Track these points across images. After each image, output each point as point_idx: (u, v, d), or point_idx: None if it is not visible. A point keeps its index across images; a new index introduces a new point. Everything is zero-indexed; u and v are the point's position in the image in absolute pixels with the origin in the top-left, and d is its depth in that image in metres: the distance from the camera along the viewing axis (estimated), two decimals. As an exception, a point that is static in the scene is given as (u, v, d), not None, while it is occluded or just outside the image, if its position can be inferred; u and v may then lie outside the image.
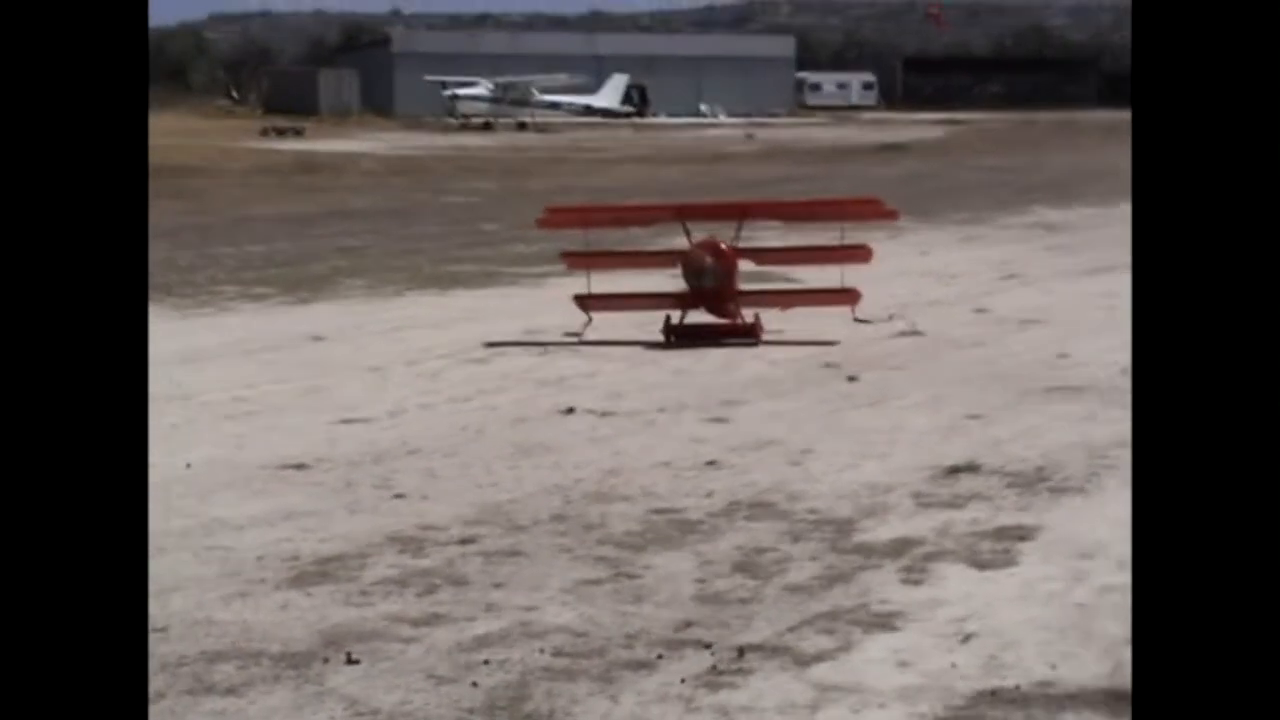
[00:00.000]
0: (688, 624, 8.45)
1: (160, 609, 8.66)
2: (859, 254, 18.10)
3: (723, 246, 17.92)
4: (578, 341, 17.50)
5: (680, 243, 18.49)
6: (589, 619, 8.54)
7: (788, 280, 20.68)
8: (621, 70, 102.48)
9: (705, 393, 14.92)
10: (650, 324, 17.68)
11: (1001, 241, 29.76)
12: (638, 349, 17.17)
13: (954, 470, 11.79)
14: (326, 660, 7.93)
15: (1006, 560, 9.57)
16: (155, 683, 7.62)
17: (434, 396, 14.79)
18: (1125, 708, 7.22)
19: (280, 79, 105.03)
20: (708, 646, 8.09)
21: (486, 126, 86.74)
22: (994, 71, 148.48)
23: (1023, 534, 10.09)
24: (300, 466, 12.00)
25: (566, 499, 11.03)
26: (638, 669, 7.82)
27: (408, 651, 8.06)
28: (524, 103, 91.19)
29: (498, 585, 9.13)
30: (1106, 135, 77.83)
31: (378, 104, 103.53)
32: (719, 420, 13.68)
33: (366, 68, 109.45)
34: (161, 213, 29.65)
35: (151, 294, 16.79)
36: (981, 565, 9.48)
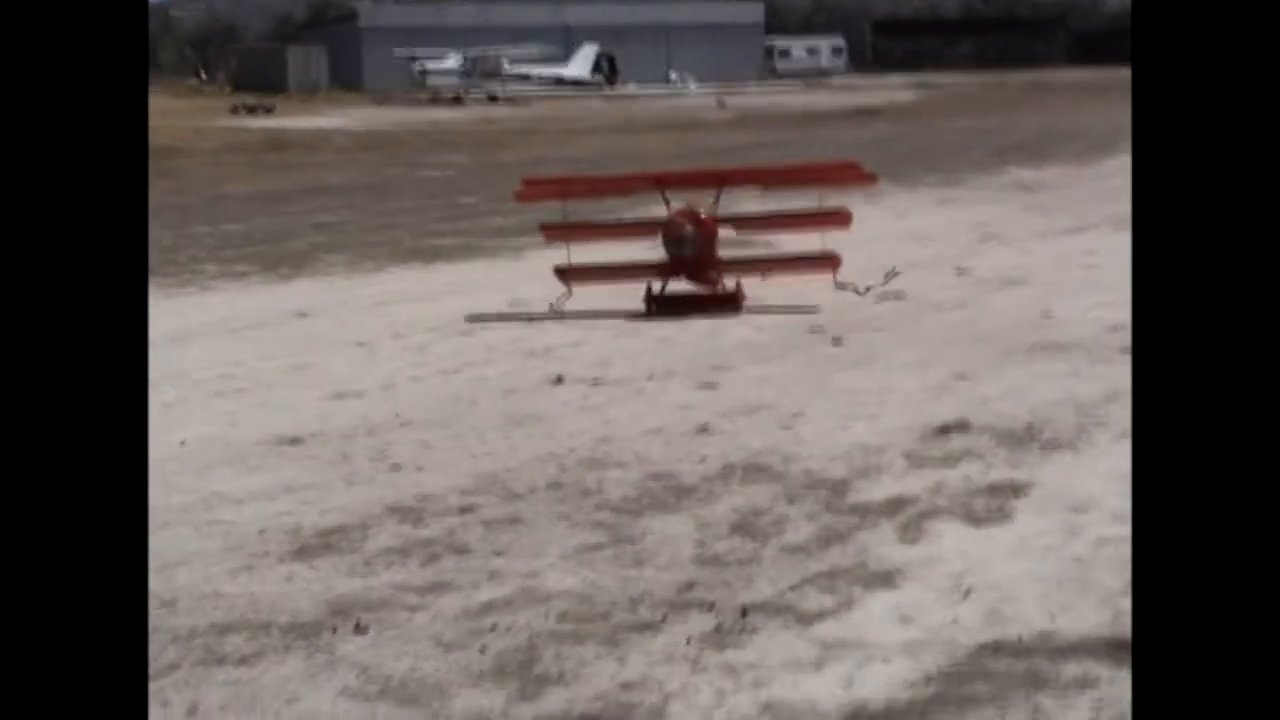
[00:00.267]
0: (690, 586, 8.55)
1: (167, 583, 8.74)
2: (839, 218, 18.11)
3: (702, 215, 17.92)
4: (557, 315, 17.51)
5: (659, 212, 18.51)
6: (592, 583, 8.64)
7: (768, 246, 20.73)
8: (590, 40, 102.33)
9: (692, 359, 15.01)
10: (632, 294, 17.73)
11: (978, 203, 29.87)
12: (622, 318, 17.24)
13: (944, 429, 11.89)
14: (335, 630, 8.01)
15: (1001, 516, 9.68)
16: (168, 655, 7.71)
17: (423, 369, 14.86)
18: (1126, 656, 7.34)
19: (248, 56, 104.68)
20: (711, 607, 8.19)
21: (457, 100, 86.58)
22: (963, 33, 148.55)
23: (1016, 490, 10.20)
24: (295, 441, 12.08)
25: (561, 467, 11.12)
26: (643, 630, 7.92)
27: (415, 619, 8.15)
28: (494, 75, 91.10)
29: (499, 553, 9.22)
30: (1077, 94, 78.05)
31: (346, 79, 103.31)
32: (708, 386, 13.77)
33: (334, 43, 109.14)
34: (138, 193, 29.59)
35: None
36: (977, 521, 9.59)
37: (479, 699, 7.14)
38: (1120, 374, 13.73)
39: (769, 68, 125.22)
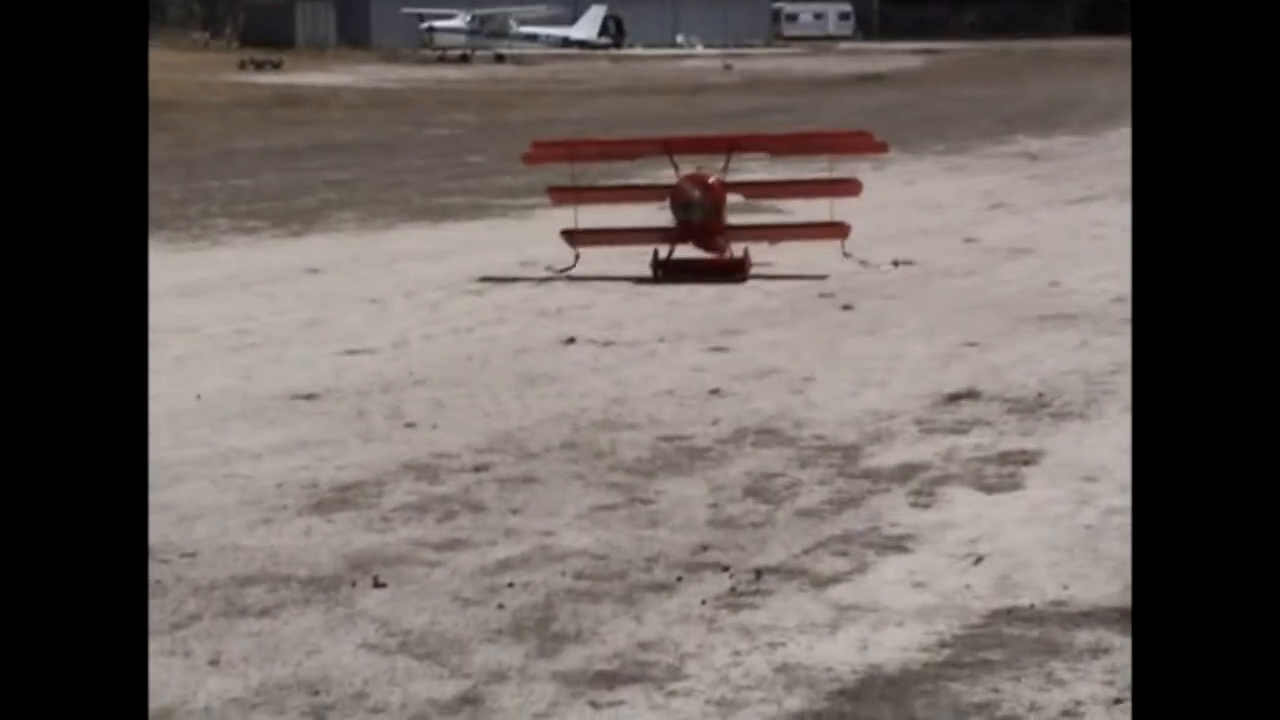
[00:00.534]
0: (704, 547, 8.64)
1: (186, 535, 8.83)
2: (849, 188, 18.03)
3: (711, 180, 17.85)
4: (565, 276, 17.50)
5: (666, 176, 18.49)
6: (607, 543, 8.73)
7: (777, 212, 20.77)
8: (598, 1, 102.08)
9: (703, 323, 15.09)
10: (641, 256, 17.73)
11: (985, 171, 29.91)
12: (631, 280, 17.28)
13: (954, 397, 11.98)
14: (354, 584, 8.10)
15: (1012, 484, 9.77)
16: (189, 606, 7.80)
17: (435, 327, 14.94)
18: (1138, 624, 7.43)
19: (256, 12, 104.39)
20: (725, 569, 8.28)
21: (464, 59, 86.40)
22: (970, 1, 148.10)
23: (1026, 458, 10.29)
24: (310, 397, 12.16)
25: (575, 427, 11.20)
26: (659, 591, 8.00)
27: (433, 575, 8.24)
28: (502, 35, 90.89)
29: (515, 511, 9.31)
30: (1083, 64, 77.88)
31: (354, 37, 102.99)
32: (719, 349, 13.85)
33: (342, 0, 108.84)
34: (148, 146, 29.64)
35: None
36: (988, 489, 9.68)
37: (498, 655, 7.22)
38: (1127, 345, 13.75)
39: (776, 32, 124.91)
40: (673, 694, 6.81)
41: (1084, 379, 12.50)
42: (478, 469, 10.18)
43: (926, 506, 9.36)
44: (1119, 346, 13.72)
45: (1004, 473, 10.00)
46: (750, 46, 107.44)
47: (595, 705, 6.73)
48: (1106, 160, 31.46)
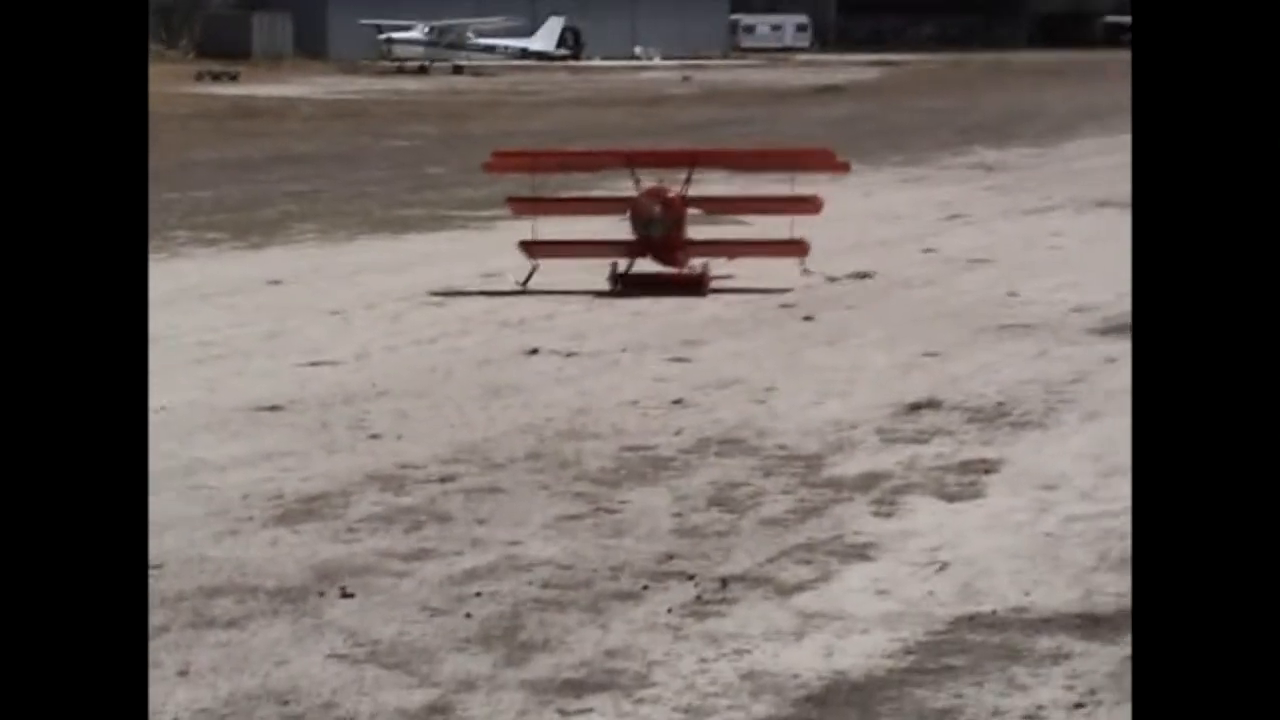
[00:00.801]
0: (669, 556, 8.71)
1: (153, 547, 8.79)
2: (809, 205, 17.89)
3: (671, 195, 17.80)
4: (522, 288, 17.48)
5: (627, 188, 18.44)
6: (573, 552, 8.79)
7: (738, 222, 20.82)
8: (556, 13, 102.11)
9: (665, 333, 15.17)
10: (603, 267, 17.73)
11: (942, 182, 30.07)
12: (593, 292, 17.32)
13: (915, 406, 12.08)
14: (322, 594, 8.15)
15: (973, 492, 9.87)
16: (157, 617, 7.82)
17: (398, 339, 14.98)
18: (1098, 631, 7.53)
19: (213, 22, 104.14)
20: (691, 578, 8.35)
21: (422, 70, 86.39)
22: (926, 13, 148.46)
23: (987, 467, 10.40)
24: (274, 408, 12.19)
25: (540, 437, 11.26)
26: (625, 599, 8.07)
27: (400, 585, 8.29)
28: (460, 46, 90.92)
29: (481, 521, 9.37)
30: (1038, 76, 78.24)
31: (311, 48, 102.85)
32: (681, 360, 13.93)
33: (299, 11, 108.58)
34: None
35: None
36: (949, 497, 9.78)
37: (466, 664, 7.28)
38: (1085, 355, 13.95)
39: (733, 43, 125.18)
40: (640, 701, 6.88)
41: (1043, 388, 12.61)
42: (443, 480, 10.23)
43: (889, 515, 9.45)
44: (1077, 356, 13.87)
45: (965, 481, 10.10)
46: (708, 58, 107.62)
47: (564, 713, 6.80)
48: (1063, 171, 31.70)
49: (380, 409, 12.17)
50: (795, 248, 17.75)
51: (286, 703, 6.89)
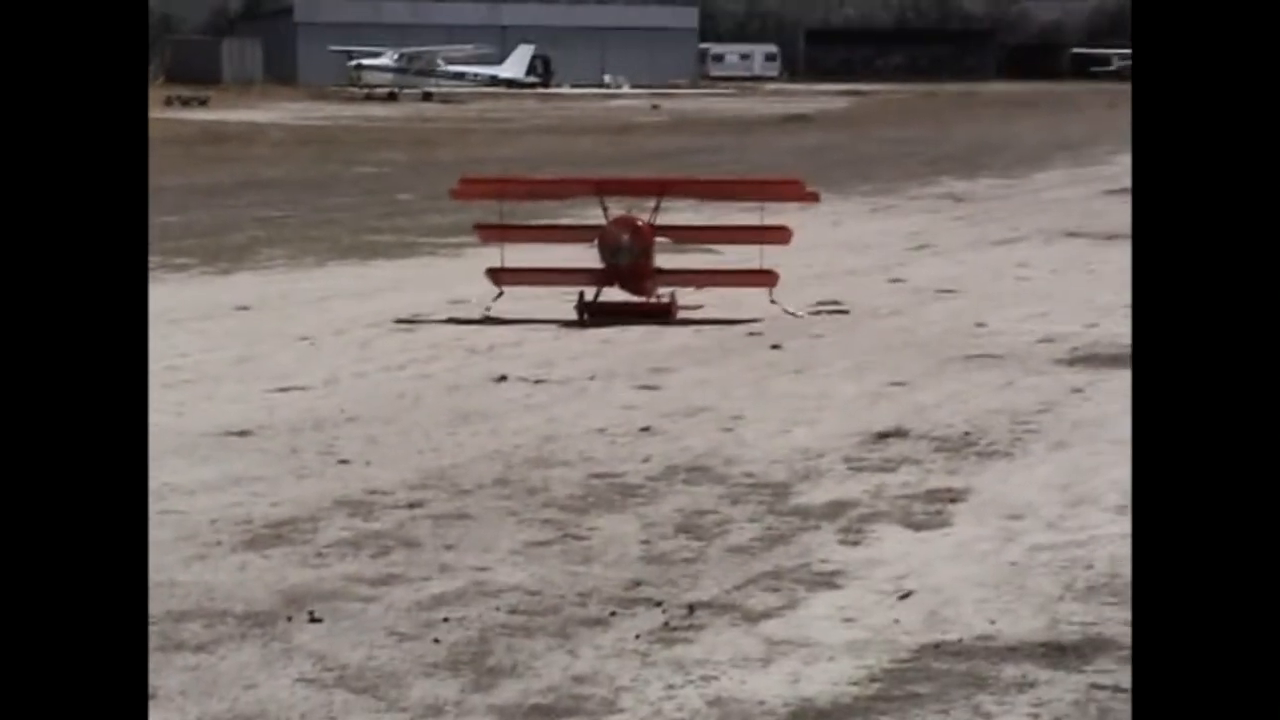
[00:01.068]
0: (637, 583, 8.74)
1: (122, 571, 8.86)
2: (778, 235, 17.88)
3: (640, 224, 17.77)
4: (488, 314, 17.47)
5: (595, 216, 18.41)
6: (541, 578, 8.82)
7: (706, 250, 20.88)
8: (526, 41, 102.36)
9: (633, 361, 15.21)
10: (571, 295, 17.74)
11: (911, 212, 30.19)
12: (563, 317, 17.36)
13: (883, 435, 12.13)
14: (290, 619, 8.17)
15: (940, 521, 9.92)
16: (126, 641, 7.83)
17: (367, 365, 15.01)
18: (1064, 659, 7.58)
19: (183, 48, 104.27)
20: (658, 604, 8.38)
21: (391, 97, 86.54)
22: (896, 43, 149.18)
23: (953, 496, 10.45)
24: (243, 433, 12.21)
25: (508, 464, 11.30)
26: (593, 625, 8.10)
27: (368, 610, 8.32)
28: (429, 73, 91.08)
29: (449, 547, 9.39)
30: (1007, 107, 78.60)
31: (281, 74, 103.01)
32: (649, 388, 13.97)
33: (269, 37, 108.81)
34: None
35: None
36: (916, 526, 9.83)
37: (434, 689, 7.30)
38: (1052, 385, 14.02)
39: (702, 72, 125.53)
40: (608, 727, 6.91)
41: (1010, 418, 12.67)
42: (411, 505, 10.26)
43: (855, 543, 9.49)
44: (1044, 386, 13.94)
45: (931, 510, 10.15)
46: (677, 87, 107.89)
47: (531, 738, 6.82)
48: (1031, 202, 31.85)
49: (349, 435, 12.19)
50: (765, 277, 17.77)
51: (255, 727, 6.91)
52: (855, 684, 7.35)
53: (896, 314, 17.99)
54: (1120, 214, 25.55)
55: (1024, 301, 18.68)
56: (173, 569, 8.97)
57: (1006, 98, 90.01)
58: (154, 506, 10.10)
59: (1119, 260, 20.82)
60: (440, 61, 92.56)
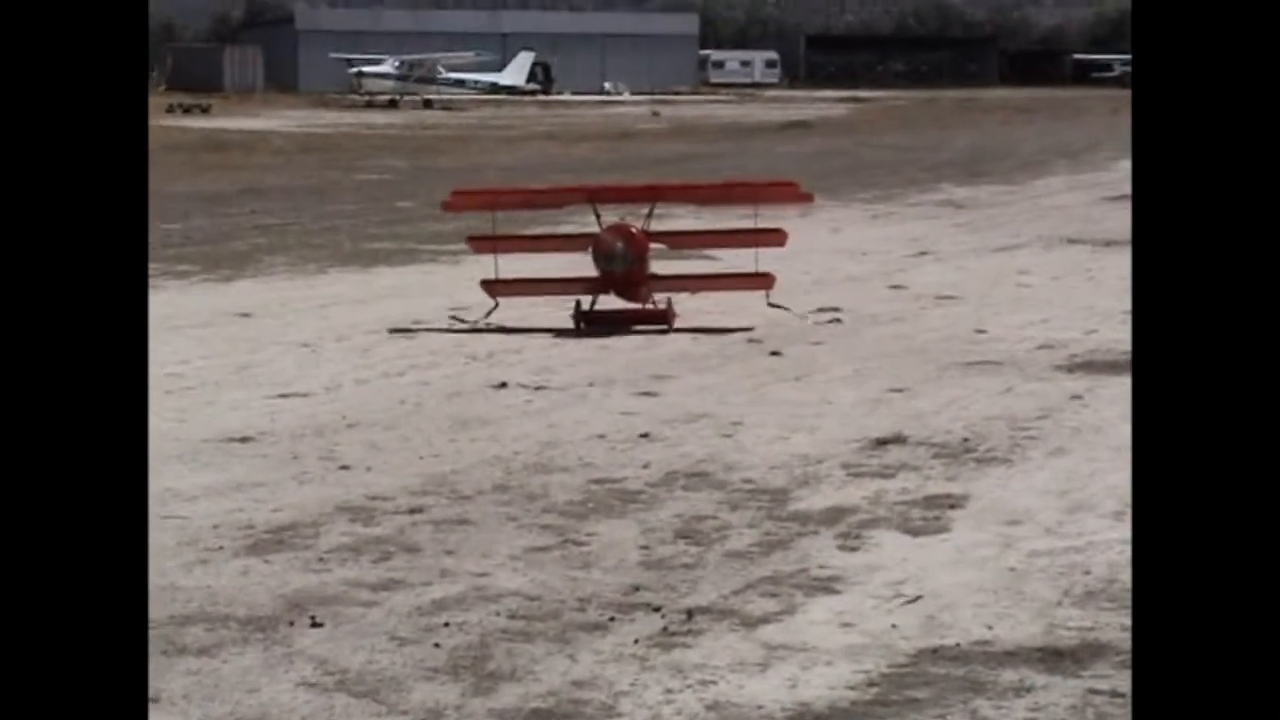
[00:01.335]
0: (636, 588, 8.78)
1: (124, 576, 8.91)
2: (773, 238, 17.83)
3: (634, 231, 17.66)
4: (485, 323, 17.48)
5: (591, 224, 18.31)
6: (541, 584, 8.86)
7: (704, 255, 20.93)
8: (527, 48, 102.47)
9: (632, 367, 15.25)
10: (569, 303, 17.74)
11: (911, 219, 30.22)
12: (561, 324, 17.39)
13: (881, 442, 12.17)
14: (292, 623, 8.21)
15: (938, 527, 9.95)
16: (128, 646, 7.88)
17: (367, 371, 15.06)
18: (1061, 664, 7.62)
19: (184, 56, 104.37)
20: (657, 609, 8.42)
21: (392, 104, 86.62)
22: (896, 50, 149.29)
23: (952, 502, 10.48)
24: (245, 440, 12.26)
25: (508, 470, 11.34)
26: (592, 630, 8.14)
27: (369, 615, 8.36)
28: (430, 80, 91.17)
29: (449, 552, 9.43)
30: (1008, 113, 78.67)
31: (282, 81, 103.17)
32: (648, 394, 14.01)
33: (270, 45, 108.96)
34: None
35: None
36: (914, 532, 9.86)
37: (435, 693, 7.35)
38: (1051, 391, 14.06)
39: (703, 79, 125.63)
40: (607, 731, 6.96)
41: (1008, 424, 12.71)
42: (412, 511, 10.30)
43: (854, 549, 9.53)
44: (1044, 392, 13.98)
45: (930, 516, 10.18)
46: (677, 93, 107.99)
47: (531, 742, 6.87)
48: (1031, 209, 31.89)
49: (350, 441, 12.24)
50: (761, 280, 17.78)
51: (256, 731, 6.96)
52: (853, 689, 7.39)
53: (896, 320, 18.03)
54: (1120, 220, 25.63)
55: (1024, 308, 18.72)
56: (175, 574, 9.01)
57: (1007, 104, 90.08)
58: (156, 512, 10.17)
59: (1119, 267, 20.91)
60: (441, 69, 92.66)
